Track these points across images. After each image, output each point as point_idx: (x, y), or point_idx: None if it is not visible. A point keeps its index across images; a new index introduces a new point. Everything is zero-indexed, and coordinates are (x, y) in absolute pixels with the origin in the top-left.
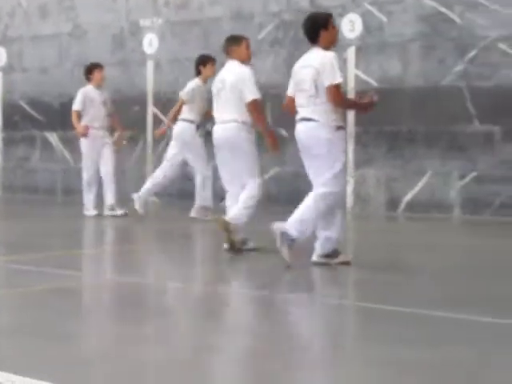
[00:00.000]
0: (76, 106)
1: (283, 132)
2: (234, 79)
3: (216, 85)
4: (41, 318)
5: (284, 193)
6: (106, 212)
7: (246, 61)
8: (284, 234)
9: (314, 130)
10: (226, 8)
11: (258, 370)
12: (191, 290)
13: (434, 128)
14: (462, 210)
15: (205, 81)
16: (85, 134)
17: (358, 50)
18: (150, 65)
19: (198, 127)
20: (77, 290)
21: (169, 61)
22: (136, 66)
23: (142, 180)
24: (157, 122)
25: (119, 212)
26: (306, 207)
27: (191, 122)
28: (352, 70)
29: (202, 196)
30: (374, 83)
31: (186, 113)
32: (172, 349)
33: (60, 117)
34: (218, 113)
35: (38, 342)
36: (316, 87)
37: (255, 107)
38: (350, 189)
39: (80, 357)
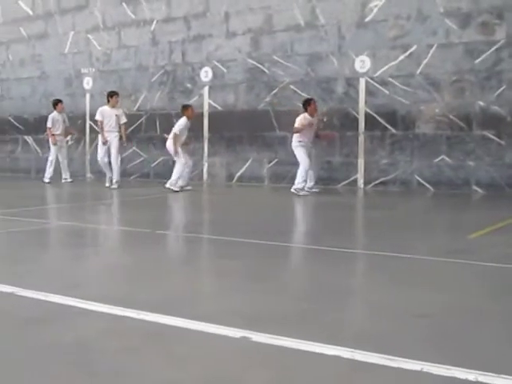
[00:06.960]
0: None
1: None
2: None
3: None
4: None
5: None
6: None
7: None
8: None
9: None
10: (132, 62)
11: None
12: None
13: (253, 134)
14: (269, 181)
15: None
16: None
17: (210, 88)
18: (87, 96)
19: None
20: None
21: (98, 94)
22: (79, 96)
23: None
24: (92, 130)
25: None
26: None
27: None
28: (206, 100)
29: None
30: (219, 107)
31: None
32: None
33: (33, 127)
34: None
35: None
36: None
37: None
38: (205, 169)
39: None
